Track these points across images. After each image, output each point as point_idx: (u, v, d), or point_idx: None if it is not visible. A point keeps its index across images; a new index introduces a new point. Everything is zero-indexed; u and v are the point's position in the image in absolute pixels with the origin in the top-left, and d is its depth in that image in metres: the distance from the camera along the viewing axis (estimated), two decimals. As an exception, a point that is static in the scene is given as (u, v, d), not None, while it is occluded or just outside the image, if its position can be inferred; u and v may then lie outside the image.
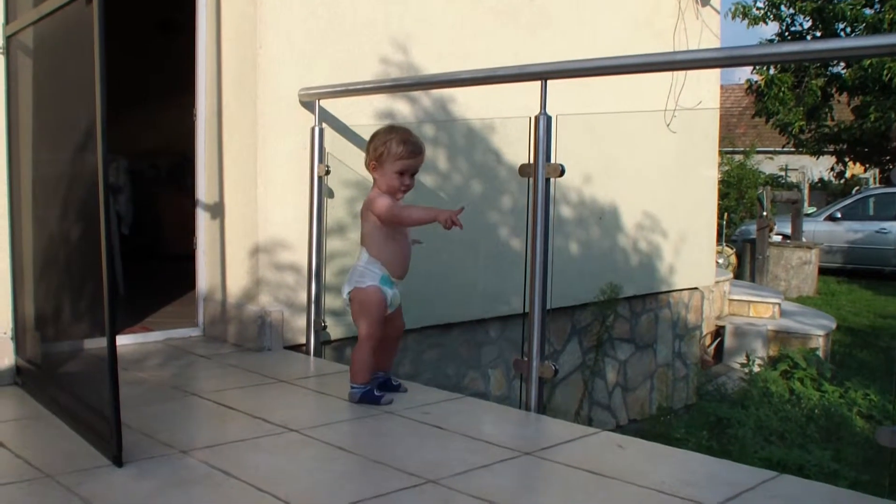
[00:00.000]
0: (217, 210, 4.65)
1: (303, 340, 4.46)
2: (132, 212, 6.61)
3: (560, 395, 6.16)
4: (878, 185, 23.13)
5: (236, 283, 4.52)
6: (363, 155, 4.71)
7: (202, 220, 4.76)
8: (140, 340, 4.47)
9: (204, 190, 4.75)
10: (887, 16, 17.50)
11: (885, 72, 17.19)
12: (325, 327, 4.46)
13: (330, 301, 4.54)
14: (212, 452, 2.75)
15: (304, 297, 4.45)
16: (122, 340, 4.30)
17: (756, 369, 8.03)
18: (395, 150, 3.29)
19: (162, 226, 7.89)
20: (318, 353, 4.44)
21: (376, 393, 3.35)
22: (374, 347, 3.32)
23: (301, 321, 4.46)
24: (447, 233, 3.27)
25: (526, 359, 3.44)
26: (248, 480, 2.49)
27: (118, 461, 2.57)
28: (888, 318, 12.15)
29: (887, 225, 16.55)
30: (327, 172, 4.45)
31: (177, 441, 2.84)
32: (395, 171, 3.29)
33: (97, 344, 2.65)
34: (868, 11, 18.65)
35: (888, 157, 20.71)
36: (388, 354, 3.53)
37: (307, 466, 2.69)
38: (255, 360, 4.15)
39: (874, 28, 17.78)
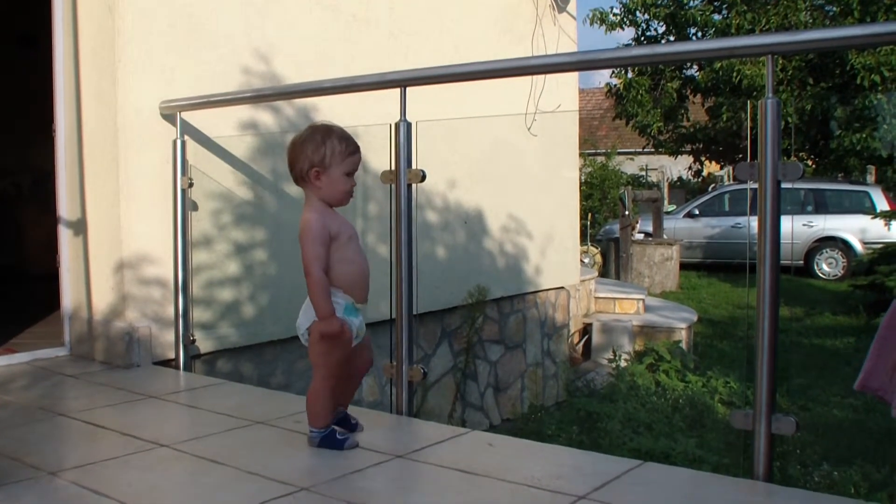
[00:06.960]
0: (80, 226, 4.56)
1: (172, 355, 4.42)
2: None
3: (433, 399, 6.22)
4: (732, 181, 24.02)
5: (102, 299, 4.45)
6: (226, 166, 4.72)
7: (65, 237, 4.67)
8: (5, 363, 4.35)
9: (66, 206, 4.65)
10: (734, 20, 18.32)
11: (735, 74, 17.97)
12: (194, 341, 4.44)
13: (198, 315, 4.51)
14: (82, 473, 2.71)
15: (171, 311, 4.41)
16: (-17, 363, 4.21)
17: (623, 364, 8.21)
18: (341, 148, 2.86)
19: (25, 245, 7.67)
20: (187, 368, 4.41)
21: (339, 437, 2.91)
22: (333, 388, 2.88)
23: (169, 336, 4.42)
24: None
25: (395, 363, 3.49)
26: (120, 498, 2.48)
27: (-17, 487, 2.52)
28: (744, 309, 12.62)
29: (742, 220, 17.21)
30: (190, 185, 4.43)
31: (45, 463, 2.79)
32: (344, 173, 2.86)
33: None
34: (717, 17, 19.52)
35: (741, 155, 21.56)
36: (351, 390, 3.12)
37: (180, 481, 2.68)
38: (125, 377, 4.09)
39: (723, 32, 18.59)
